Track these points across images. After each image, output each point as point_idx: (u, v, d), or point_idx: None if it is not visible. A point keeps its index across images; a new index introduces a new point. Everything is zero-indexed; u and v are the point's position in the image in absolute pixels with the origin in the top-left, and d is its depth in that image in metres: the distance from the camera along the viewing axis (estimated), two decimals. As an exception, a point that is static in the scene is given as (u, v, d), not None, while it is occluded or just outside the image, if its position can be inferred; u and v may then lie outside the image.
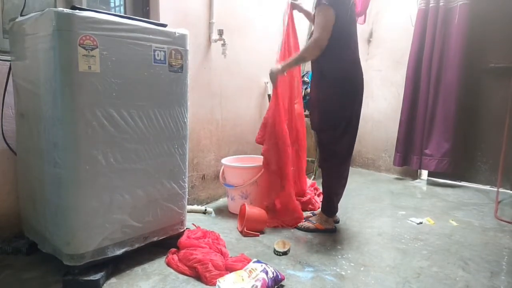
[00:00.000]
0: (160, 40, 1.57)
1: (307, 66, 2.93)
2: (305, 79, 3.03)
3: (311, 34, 1.98)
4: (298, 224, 2.16)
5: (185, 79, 1.70)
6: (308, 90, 2.68)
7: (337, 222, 2.24)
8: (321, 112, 2.01)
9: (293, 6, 2.37)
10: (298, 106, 2.48)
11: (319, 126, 2.06)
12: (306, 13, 2.37)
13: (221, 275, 1.47)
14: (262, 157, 2.24)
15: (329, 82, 1.95)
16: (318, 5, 1.85)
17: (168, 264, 1.63)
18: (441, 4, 3.13)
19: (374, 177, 3.62)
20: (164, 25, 1.63)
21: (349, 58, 1.95)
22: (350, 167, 2.14)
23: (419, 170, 3.57)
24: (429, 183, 3.43)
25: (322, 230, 2.10)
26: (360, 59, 2.00)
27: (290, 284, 1.53)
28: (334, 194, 2.08)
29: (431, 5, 3.18)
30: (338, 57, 1.91)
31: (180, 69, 1.67)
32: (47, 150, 1.43)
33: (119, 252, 1.52)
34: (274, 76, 2.10)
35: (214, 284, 1.43)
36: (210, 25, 2.40)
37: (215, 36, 2.39)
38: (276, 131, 2.17)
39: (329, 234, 2.08)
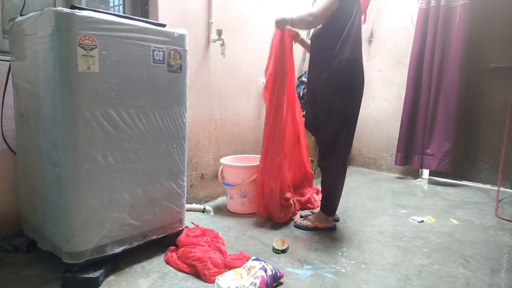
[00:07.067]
0: (159, 40, 1.57)
1: (305, 66, 2.93)
2: (303, 79, 3.03)
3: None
4: (297, 222, 2.16)
5: (184, 79, 1.70)
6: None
7: (337, 220, 2.24)
8: (318, 110, 1.99)
9: (294, 37, 2.15)
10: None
11: (316, 125, 2.05)
12: (306, 45, 2.18)
13: (220, 273, 1.47)
14: (260, 156, 2.22)
15: (326, 79, 1.91)
16: None
17: (167, 262, 1.63)
18: (442, 3, 3.13)
19: (375, 176, 3.60)
20: (163, 25, 1.63)
21: (348, 54, 1.87)
22: (351, 166, 2.13)
23: (420, 169, 3.56)
24: (431, 182, 3.43)
25: (321, 228, 2.09)
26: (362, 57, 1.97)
27: (289, 282, 1.53)
28: (333, 193, 2.07)
29: (432, 4, 3.18)
30: (337, 52, 1.86)
31: (179, 69, 1.67)
32: (47, 149, 1.44)
33: (118, 250, 1.52)
34: (282, 24, 1.97)
35: (213, 282, 1.43)
36: (209, 25, 2.41)
37: (214, 36, 2.40)
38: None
39: (328, 233, 2.07)
